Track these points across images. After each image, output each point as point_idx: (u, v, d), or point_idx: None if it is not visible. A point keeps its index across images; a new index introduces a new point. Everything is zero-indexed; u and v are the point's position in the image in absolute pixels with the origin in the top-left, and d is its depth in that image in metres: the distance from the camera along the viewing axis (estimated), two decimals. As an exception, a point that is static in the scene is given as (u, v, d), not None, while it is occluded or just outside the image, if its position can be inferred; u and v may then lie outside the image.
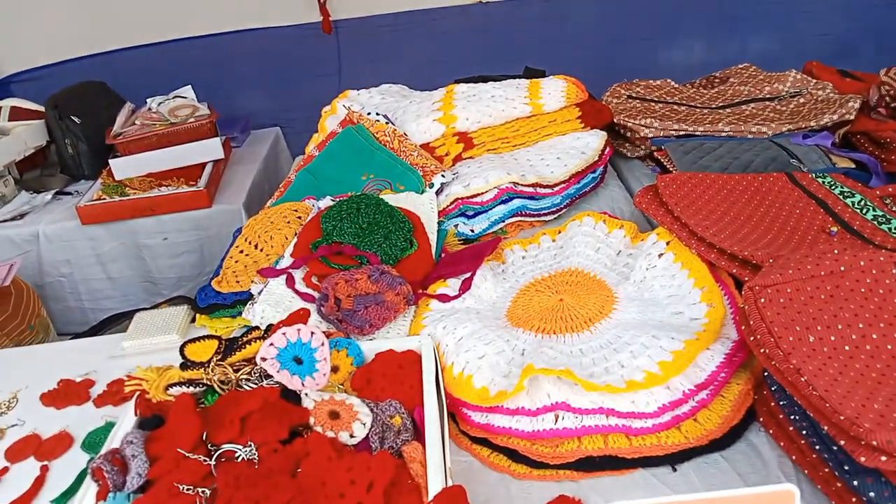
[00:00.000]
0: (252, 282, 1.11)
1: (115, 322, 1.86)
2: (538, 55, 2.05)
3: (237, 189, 2.07)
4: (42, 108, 2.35)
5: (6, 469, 0.90)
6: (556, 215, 1.29)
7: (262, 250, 1.23)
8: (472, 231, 1.24)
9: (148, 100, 2.23)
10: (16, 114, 2.31)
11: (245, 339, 0.83)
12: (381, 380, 0.84)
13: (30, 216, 2.03)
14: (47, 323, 2.02)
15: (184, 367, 0.82)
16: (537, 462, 0.77)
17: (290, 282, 1.07)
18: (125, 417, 0.80)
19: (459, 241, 1.23)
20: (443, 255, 1.17)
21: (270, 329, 0.86)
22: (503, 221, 1.25)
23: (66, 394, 1.02)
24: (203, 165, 2.10)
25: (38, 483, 0.86)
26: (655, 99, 1.59)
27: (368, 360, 0.89)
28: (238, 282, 1.14)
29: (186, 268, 2.05)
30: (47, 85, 2.40)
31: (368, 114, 1.41)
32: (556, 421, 0.77)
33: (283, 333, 0.82)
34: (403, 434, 0.77)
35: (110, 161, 2.04)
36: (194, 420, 0.71)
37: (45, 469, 0.89)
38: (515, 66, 1.88)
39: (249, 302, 1.07)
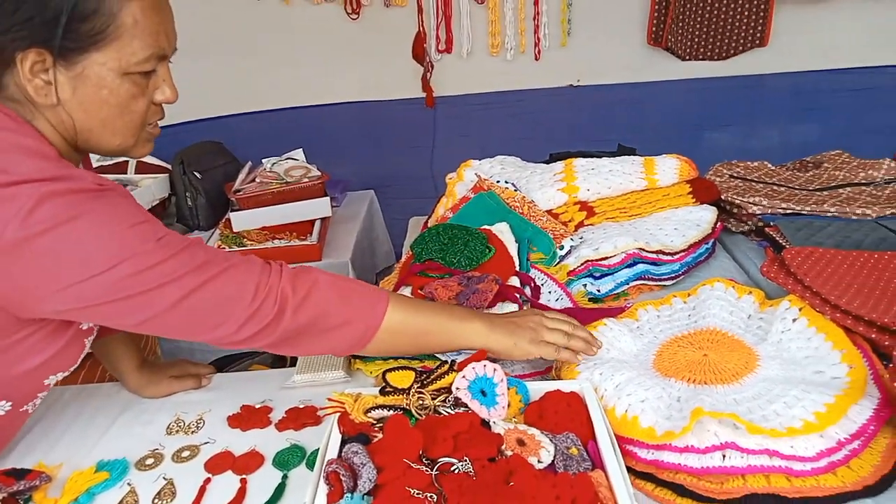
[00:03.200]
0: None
1: (230, 363, 2.00)
2: (626, 136, 2.21)
3: (343, 245, 2.23)
4: (162, 163, 2.58)
5: (209, 479, 1.01)
6: (674, 281, 1.40)
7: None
8: (599, 291, 1.35)
9: (264, 160, 2.43)
10: (141, 167, 2.55)
11: (439, 372, 0.95)
12: (553, 415, 0.95)
13: (154, 261, 2.21)
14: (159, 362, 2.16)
15: (384, 392, 0.94)
16: (703, 496, 0.86)
17: None
18: (331, 434, 0.92)
19: (588, 299, 1.34)
20: (572, 306, 1.29)
21: (455, 364, 0.97)
22: (627, 284, 1.36)
23: (249, 418, 1.14)
24: (312, 222, 2.28)
25: (241, 493, 0.97)
26: (755, 179, 1.71)
27: (533, 398, 1.00)
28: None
29: (292, 316, 2.19)
30: (166, 143, 2.62)
31: (497, 181, 1.56)
32: (724, 459, 0.86)
33: (473, 368, 0.94)
34: (583, 463, 0.86)
35: (231, 214, 2.23)
36: (416, 435, 0.82)
37: (244, 482, 1.00)
38: (603, 144, 2.03)
39: None
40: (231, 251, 0.94)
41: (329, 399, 0.97)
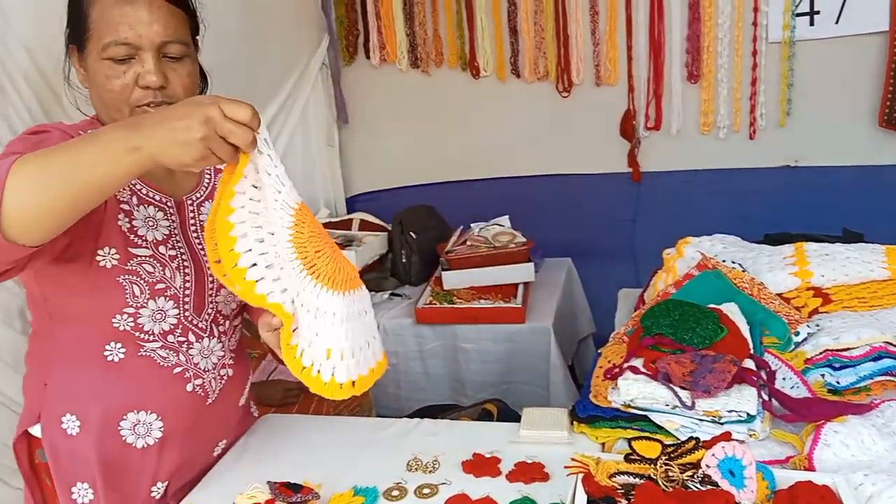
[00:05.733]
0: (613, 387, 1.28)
1: (428, 413, 2.12)
2: (849, 221, 2.10)
3: (545, 310, 2.31)
4: (381, 223, 2.85)
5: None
6: (925, 381, 1.30)
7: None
8: (839, 383, 1.29)
9: (472, 225, 2.60)
10: (363, 225, 2.83)
11: (686, 446, 0.97)
12: (805, 506, 0.92)
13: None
14: (371, 404, 2.35)
15: (629, 459, 0.98)
16: None
17: (635, 370, 1.25)
18: (576, 492, 0.96)
19: (827, 391, 1.29)
20: (811, 397, 1.25)
21: (695, 440, 0.99)
22: (871, 378, 1.28)
23: (481, 465, 1.22)
24: (516, 285, 2.39)
25: (481, 535, 1.05)
26: None
27: (780, 486, 0.98)
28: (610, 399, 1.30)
29: (492, 374, 2.29)
30: (386, 206, 2.92)
31: (723, 261, 1.56)
32: None
33: (723, 447, 0.95)
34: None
35: (442, 273, 2.40)
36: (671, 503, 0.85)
37: (483, 524, 1.07)
38: (822, 229, 1.92)
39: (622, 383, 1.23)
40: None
41: (573, 459, 1.02)
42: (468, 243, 2.48)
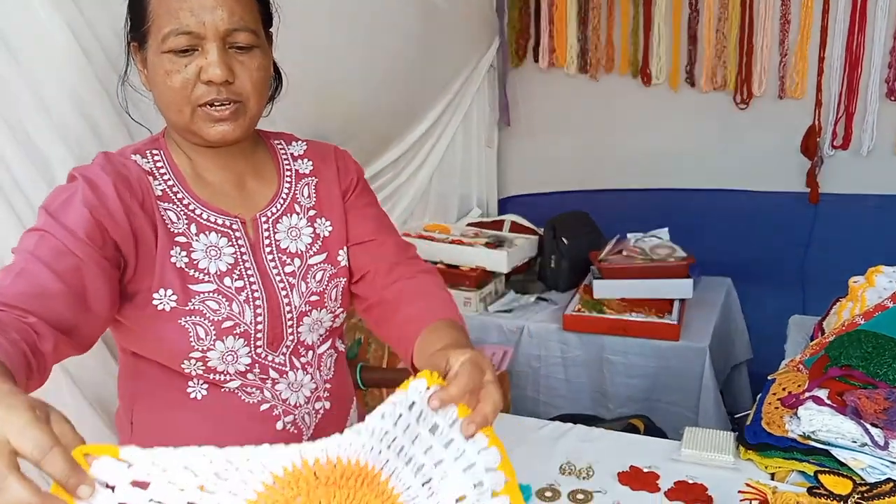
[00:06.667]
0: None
1: (568, 421, 2.08)
2: None
3: (701, 330, 2.20)
4: (531, 226, 2.85)
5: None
6: None
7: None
8: None
9: (629, 234, 2.53)
10: (514, 227, 2.84)
11: (882, 488, 0.89)
12: None
13: (517, 312, 2.43)
14: (509, 405, 2.35)
15: (814, 493, 0.91)
16: None
17: (819, 401, 1.17)
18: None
19: None
20: None
21: (893, 483, 0.90)
22: None
23: (638, 478, 1.19)
24: (671, 301, 2.29)
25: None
26: None
27: None
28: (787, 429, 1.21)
29: (637, 390, 2.21)
30: (539, 209, 2.91)
31: (924, 295, 1.41)
32: None
33: (928, 496, 0.86)
34: None
35: (594, 281, 2.36)
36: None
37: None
38: None
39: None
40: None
41: (747, 485, 0.97)
42: (624, 253, 2.42)
